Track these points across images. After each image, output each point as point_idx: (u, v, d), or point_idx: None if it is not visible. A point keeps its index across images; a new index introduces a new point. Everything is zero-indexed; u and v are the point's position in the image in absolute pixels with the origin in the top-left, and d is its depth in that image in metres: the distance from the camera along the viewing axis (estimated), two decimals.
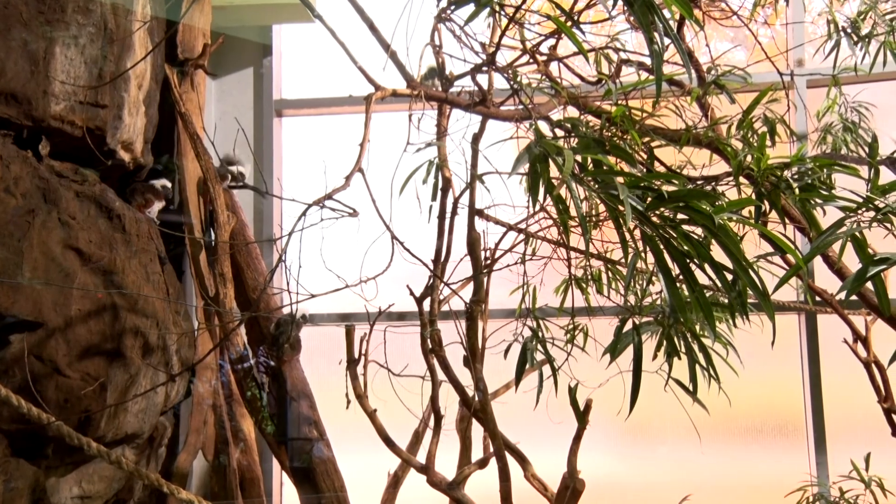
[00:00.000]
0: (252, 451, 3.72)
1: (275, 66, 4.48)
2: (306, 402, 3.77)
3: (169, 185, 3.71)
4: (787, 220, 1.72)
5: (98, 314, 2.93)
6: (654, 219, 1.37)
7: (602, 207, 1.48)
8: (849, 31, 2.98)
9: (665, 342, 1.50)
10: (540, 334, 2.60)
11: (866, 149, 3.00)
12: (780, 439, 4.17)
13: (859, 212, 1.31)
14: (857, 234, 1.18)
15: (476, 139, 2.46)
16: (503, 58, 2.38)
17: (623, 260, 1.45)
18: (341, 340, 3.02)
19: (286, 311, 3.77)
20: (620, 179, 1.35)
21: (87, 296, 2.86)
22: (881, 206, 1.27)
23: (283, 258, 2.12)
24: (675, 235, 1.38)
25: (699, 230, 1.39)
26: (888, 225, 1.27)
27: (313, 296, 2.33)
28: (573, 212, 1.44)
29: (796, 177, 1.65)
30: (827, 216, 1.76)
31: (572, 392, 2.24)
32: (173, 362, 3.35)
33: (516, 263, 2.80)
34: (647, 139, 2.05)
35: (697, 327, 1.69)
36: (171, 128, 3.88)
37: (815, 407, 4.00)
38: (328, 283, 2.57)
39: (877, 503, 3.16)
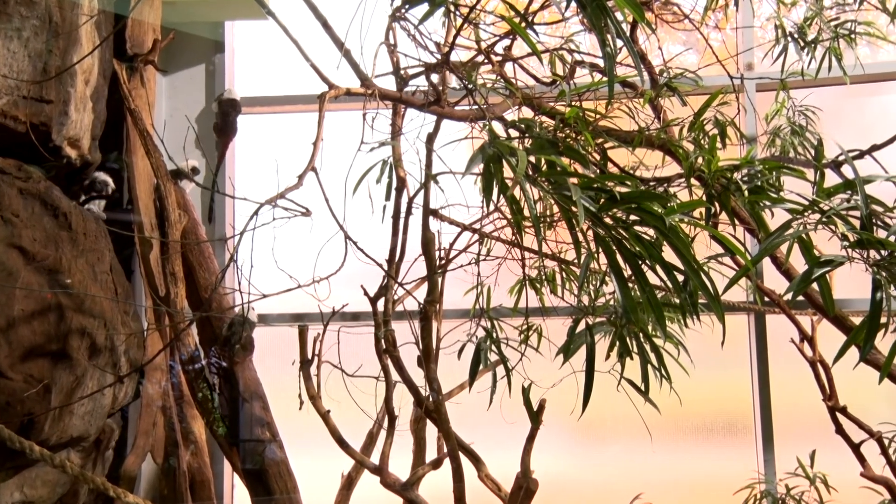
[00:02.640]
0: (203, 452, 3.66)
1: (227, 62, 4.41)
2: (259, 403, 3.73)
3: (109, 179, 3.60)
4: (736, 222, 1.74)
5: (42, 314, 2.85)
6: (607, 220, 1.38)
7: (556, 208, 1.48)
8: (796, 36, 3.05)
9: (618, 343, 1.51)
10: (494, 335, 2.60)
11: (813, 152, 3.07)
12: (730, 437, 4.24)
13: (805, 214, 1.33)
14: (803, 236, 1.20)
15: (431, 138, 2.45)
16: (458, 57, 2.38)
17: (577, 260, 1.46)
18: (295, 341, 3.00)
19: (238, 310, 3.73)
20: (574, 180, 1.35)
21: (30, 295, 2.79)
22: (826, 208, 1.29)
23: (235, 258, 2.09)
24: (627, 237, 1.38)
25: (651, 231, 1.40)
26: (832, 227, 1.30)
27: (265, 296, 2.31)
28: (527, 212, 1.44)
29: (746, 179, 1.67)
30: (775, 218, 1.80)
31: (526, 393, 2.26)
32: (121, 363, 3.28)
33: (470, 263, 2.80)
34: (600, 140, 2.07)
35: (650, 328, 1.70)
36: (120, 124, 3.80)
37: (763, 405, 4.08)
38: (281, 282, 2.55)
39: (821, 499, 3.23)
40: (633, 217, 1.39)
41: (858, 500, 3.25)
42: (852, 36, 3.00)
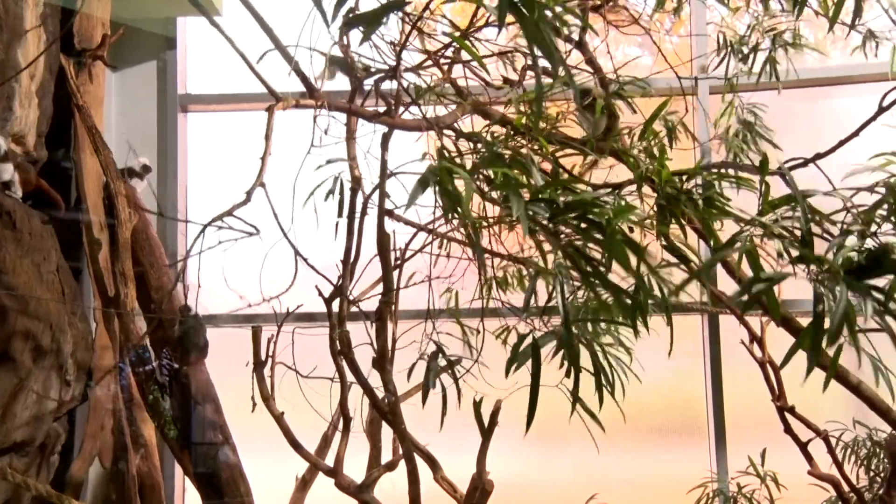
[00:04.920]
0: (153, 456, 3.60)
1: (180, 59, 4.33)
2: (211, 405, 3.67)
3: (11, 168, 3.42)
4: (687, 228, 1.76)
5: None
6: (560, 228, 1.37)
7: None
8: (736, 45, 3.12)
9: (567, 359, 1.51)
10: (447, 347, 2.60)
11: (760, 155, 3.12)
12: (684, 437, 4.29)
13: (752, 226, 1.35)
14: (750, 249, 1.22)
15: (385, 139, 2.43)
16: (411, 60, 2.36)
17: (535, 268, 1.45)
18: (248, 342, 2.96)
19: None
20: (524, 192, 1.35)
21: None
22: (767, 223, 1.31)
23: (183, 279, 2.06)
24: (576, 248, 1.38)
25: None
26: (776, 241, 1.32)
27: (211, 317, 2.27)
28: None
29: (697, 186, 1.69)
30: (725, 224, 1.81)
31: (477, 406, 2.26)
32: (68, 366, 3.20)
33: (433, 278, 2.80)
34: (552, 149, 2.07)
35: (601, 337, 1.70)
36: (68, 121, 3.70)
37: (716, 405, 4.14)
38: (232, 285, 2.52)
39: (771, 497, 3.29)
40: (579, 224, 1.39)
41: (807, 497, 3.31)
42: (795, 43, 3.09)
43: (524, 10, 1.21)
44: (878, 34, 3.17)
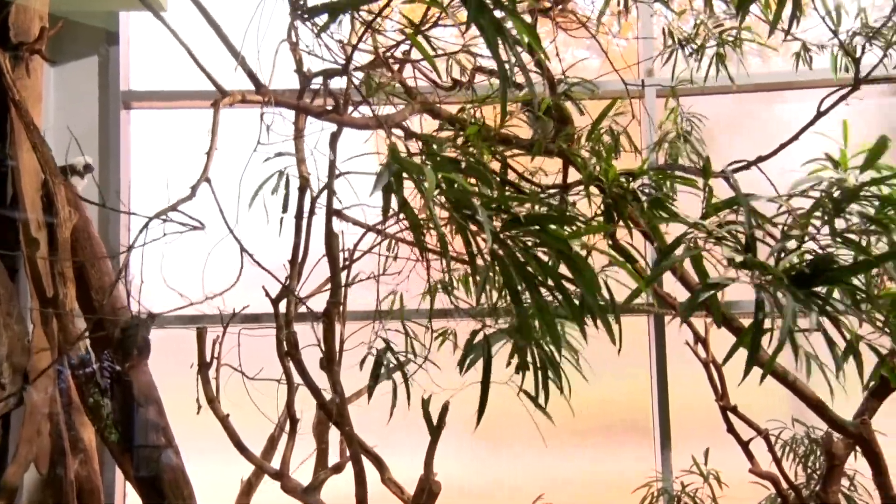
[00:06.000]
0: (92, 460, 3.52)
1: (122, 54, 4.24)
2: (154, 407, 3.60)
3: None
4: (633, 229, 1.78)
5: None
6: (508, 241, 1.38)
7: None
8: (684, 43, 3.17)
9: (516, 356, 1.52)
10: (408, 340, 2.59)
11: (699, 160, 3.19)
12: (630, 437, 4.35)
13: (696, 230, 1.37)
14: (695, 255, 1.24)
15: (334, 138, 2.42)
16: (361, 59, 2.35)
17: (473, 277, 1.46)
18: (192, 343, 2.91)
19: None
20: (476, 200, 1.35)
21: None
22: (711, 229, 1.34)
23: (125, 274, 2.02)
24: (524, 259, 1.38)
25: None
26: (720, 245, 1.34)
27: (154, 316, 2.24)
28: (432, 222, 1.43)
29: (643, 189, 1.71)
30: (670, 225, 1.84)
31: (425, 405, 2.26)
32: (3, 369, 3.12)
33: (379, 276, 2.78)
34: (500, 149, 2.08)
35: (546, 340, 1.72)
36: (4, 117, 3.59)
37: (662, 405, 4.20)
38: (176, 284, 2.48)
39: (713, 495, 3.36)
40: (534, 239, 1.39)
41: (748, 494, 3.39)
42: (737, 43, 3.15)
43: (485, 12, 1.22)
44: (818, 43, 3.27)
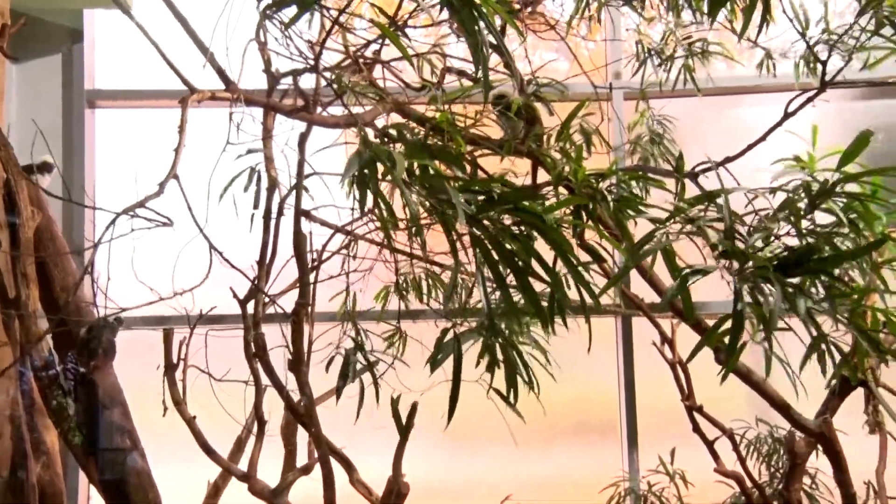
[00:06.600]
0: (55, 464, 3.46)
1: (87, 53, 4.18)
2: (119, 409, 3.55)
3: None
4: (602, 230, 1.80)
5: None
6: (485, 222, 1.39)
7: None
8: (652, 53, 3.23)
9: (486, 352, 1.52)
10: (362, 341, 2.59)
11: (672, 161, 3.23)
12: (597, 437, 4.39)
13: (667, 224, 1.38)
14: (666, 247, 1.25)
15: (303, 139, 2.41)
16: (330, 59, 2.34)
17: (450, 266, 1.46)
18: (159, 344, 2.90)
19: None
20: (449, 184, 1.35)
21: None
22: (693, 217, 1.35)
23: (91, 271, 1.99)
24: (502, 240, 1.39)
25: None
26: (700, 237, 1.35)
27: (123, 310, 2.22)
28: (403, 214, 1.43)
29: (612, 189, 1.73)
30: (638, 227, 1.86)
31: (394, 403, 2.26)
32: None
33: (350, 273, 2.78)
34: (470, 149, 2.09)
35: (516, 335, 1.73)
36: None
37: (629, 405, 4.24)
38: (142, 284, 2.45)
39: (679, 495, 3.39)
40: (511, 217, 1.41)
41: (713, 494, 3.43)
42: (704, 53, 3.22)
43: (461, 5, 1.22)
44: (780, 50, 3.34)
